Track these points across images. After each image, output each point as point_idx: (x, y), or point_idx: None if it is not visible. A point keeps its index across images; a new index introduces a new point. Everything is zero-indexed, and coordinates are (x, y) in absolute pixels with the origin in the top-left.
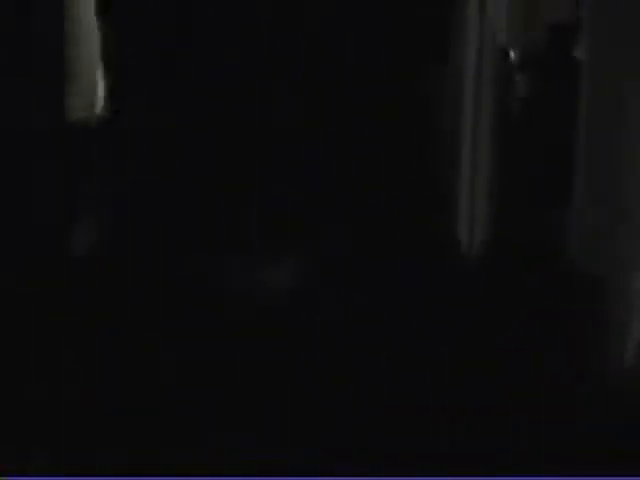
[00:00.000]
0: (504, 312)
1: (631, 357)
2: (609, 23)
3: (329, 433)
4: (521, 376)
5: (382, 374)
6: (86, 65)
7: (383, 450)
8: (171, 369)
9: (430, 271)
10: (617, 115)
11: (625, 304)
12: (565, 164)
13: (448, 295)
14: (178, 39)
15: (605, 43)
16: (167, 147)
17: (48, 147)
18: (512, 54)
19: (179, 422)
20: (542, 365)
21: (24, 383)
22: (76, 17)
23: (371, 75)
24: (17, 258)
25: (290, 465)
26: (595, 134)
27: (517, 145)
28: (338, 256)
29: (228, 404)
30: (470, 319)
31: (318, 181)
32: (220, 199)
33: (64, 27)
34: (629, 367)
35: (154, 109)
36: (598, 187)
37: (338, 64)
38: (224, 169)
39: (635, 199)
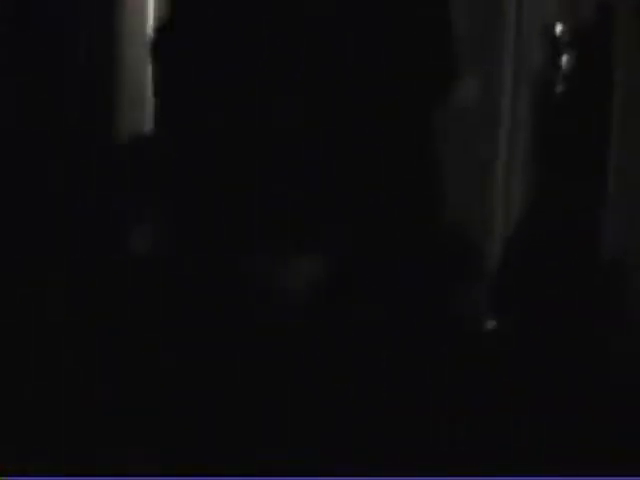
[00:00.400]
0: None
1: None
2: None
3: (329, 433)
4: (526, 376)
5: (383, 374)
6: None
7: (383, 450)
8: (173, 369)
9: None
10: None
11: None
12: (603, 145)
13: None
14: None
15: None
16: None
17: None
18: (558, 30)
19: (182, 422)
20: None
21: (25, 383)
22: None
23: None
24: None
25: (290, 465)
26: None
27: (557, 125)
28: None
29: (228, 405)
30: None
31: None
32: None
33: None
34: None
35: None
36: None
37: (348, 56)
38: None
39: None
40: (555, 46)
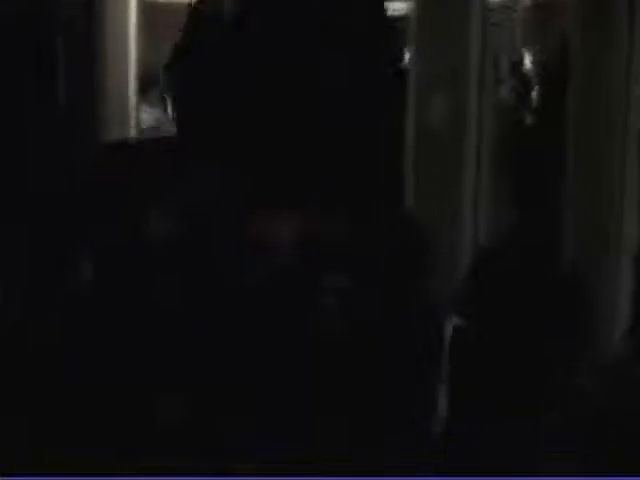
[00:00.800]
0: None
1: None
2: None
3: (329, 432)
4: (518, 375)
5: (382, 373)
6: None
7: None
8: (172, 369)
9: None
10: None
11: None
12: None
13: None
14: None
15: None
16: None
17: None
18: (526, 62)
19: (181, 422)
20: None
21: (28, 382)
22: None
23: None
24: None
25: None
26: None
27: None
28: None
29: (228, 405)
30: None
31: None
32: None
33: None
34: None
35: None
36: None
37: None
38: None
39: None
40: (523, 80)
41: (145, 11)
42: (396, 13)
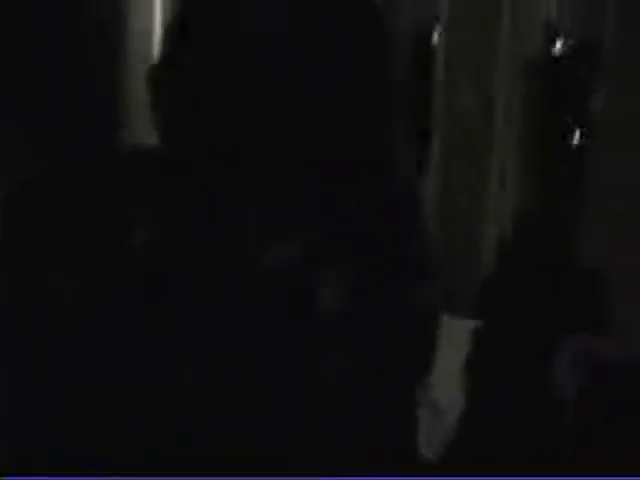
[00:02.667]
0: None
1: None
2: None
3: (330, 432)
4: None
5: (380, 372)
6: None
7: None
8: (171, 371)
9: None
10: None
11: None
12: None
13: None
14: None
15: None
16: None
17: None
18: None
19: (175, 419)
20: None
21: (27, 382)
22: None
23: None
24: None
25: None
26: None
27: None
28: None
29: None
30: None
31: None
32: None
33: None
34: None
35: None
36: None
37: None
38: None
39: None
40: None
41: None
42: None
